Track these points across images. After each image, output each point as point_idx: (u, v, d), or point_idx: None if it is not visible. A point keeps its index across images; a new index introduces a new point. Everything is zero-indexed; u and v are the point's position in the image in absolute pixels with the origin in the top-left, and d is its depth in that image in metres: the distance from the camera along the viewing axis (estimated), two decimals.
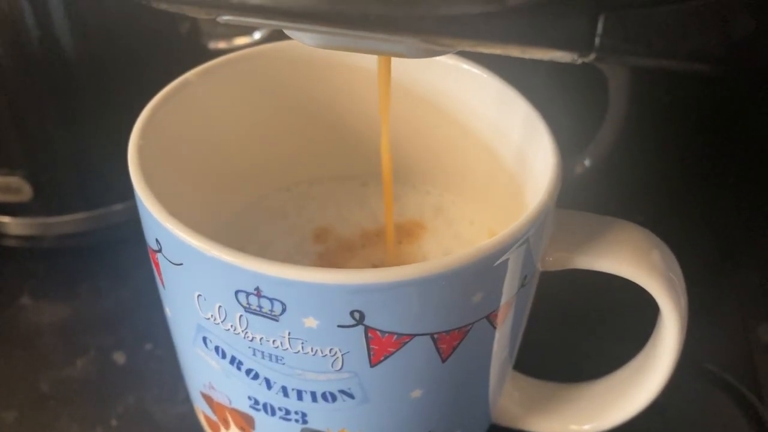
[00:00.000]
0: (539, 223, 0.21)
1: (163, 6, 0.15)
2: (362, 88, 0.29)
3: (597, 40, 0.15)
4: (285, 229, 0.30)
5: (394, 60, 0.24)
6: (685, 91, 0.31)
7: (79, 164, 0.34)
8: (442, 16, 0.14)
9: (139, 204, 0.22)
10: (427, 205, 0.31)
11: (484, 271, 0.20)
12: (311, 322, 0.20)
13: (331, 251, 0.29)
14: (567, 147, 0.25)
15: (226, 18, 0.15)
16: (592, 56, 0.15)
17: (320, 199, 0.31)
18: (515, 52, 0.16)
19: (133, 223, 0.34)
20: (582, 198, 0.27)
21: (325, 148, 0.31)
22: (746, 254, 0.34)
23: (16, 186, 0.34)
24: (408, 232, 0.30)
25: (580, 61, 0.16)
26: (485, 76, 0.27)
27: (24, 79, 0.32)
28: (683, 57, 0.15)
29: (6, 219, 0.35)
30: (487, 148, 0.28)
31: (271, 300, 0.19)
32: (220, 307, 0.20)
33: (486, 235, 0.29)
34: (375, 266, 0.29)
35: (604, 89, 0.33)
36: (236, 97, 0.28)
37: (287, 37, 0.21)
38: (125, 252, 0.35)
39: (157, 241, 0.21)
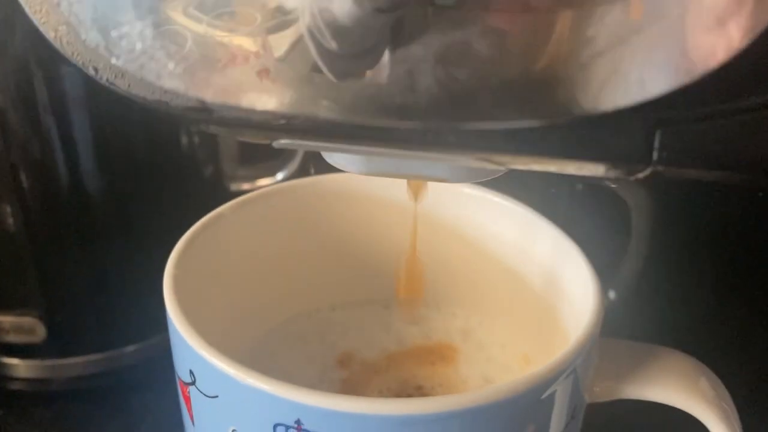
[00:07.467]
0: (585, 352, 0.21)
1: (222, 132, 0.15)
2: (382, 218, 0.30)
3: (655, 154, 0.15)
4: (308, 355, 0.29)
5: None
6: (711, 214, 0.32)
7: (95, 305, 0.33)
8: (503, 131, 0.14)
9: (173, 334, 0.21)
10: (455, 327, 0.31)
11: (531, 403, 0.19)
12: None
13: (355, 376, 0.28)
14: None
15: (283, 142, 0.16)
16: (648, 171, 0.15)
17: (343, 324, 0.31)
18: (571, 168, 0.16)
19: (144, 365, 0.33)
20: (611, 330, 0.26)
21: (346, 274, 0.31)
22: None
23: (29, 326, 0.33)
24: (441, 355, 0.29)
25: (634, 178, 0.16)
26: (507, 203, 0.28)
27: (47, 221, 0.32)
28: (742, 168, 0.15)
29: (15, 361, 0.34)
30: (512, 271, 0.29)
31: None
32: None
33: (520, 360, 0.29)
34: (400, 390, 0.28)
35: (626, 218, 0.33)
36: (265, 229, 0.29)
37: (310, 175, 0.21)
38: (135, 396, 0.34)
39: (191, 372, 0.21)
